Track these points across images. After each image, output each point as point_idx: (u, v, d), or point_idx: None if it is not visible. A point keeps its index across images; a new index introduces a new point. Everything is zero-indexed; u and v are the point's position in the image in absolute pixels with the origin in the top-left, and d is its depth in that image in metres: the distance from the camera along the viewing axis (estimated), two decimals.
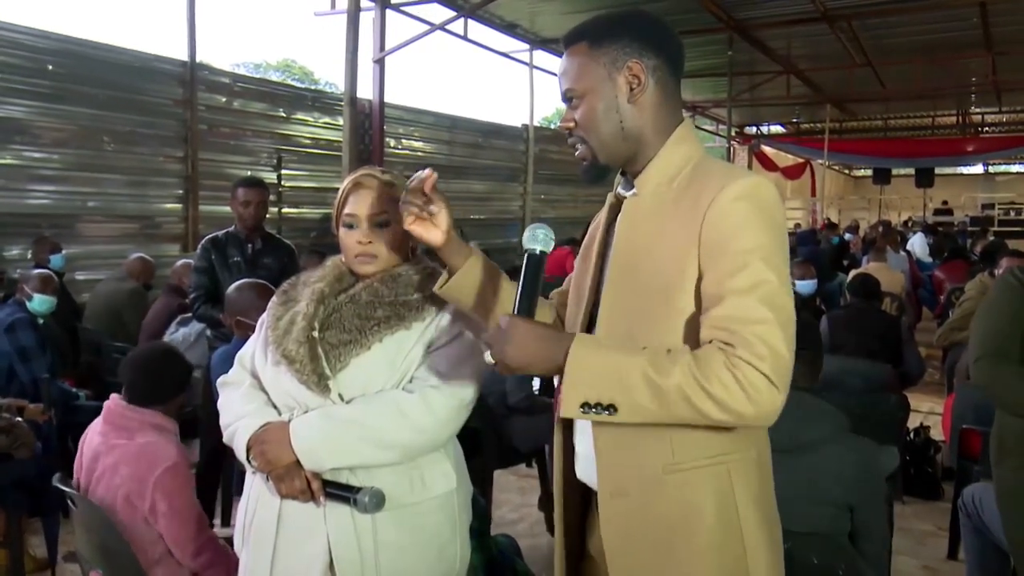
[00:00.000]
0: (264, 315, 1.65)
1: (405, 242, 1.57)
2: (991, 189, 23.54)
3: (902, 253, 8.62)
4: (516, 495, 3.91)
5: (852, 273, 5.79)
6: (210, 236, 3.61)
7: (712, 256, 1.14)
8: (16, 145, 5.73)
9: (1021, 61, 11.81)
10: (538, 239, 1.26)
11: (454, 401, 1.48)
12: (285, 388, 1.52)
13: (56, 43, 5.98)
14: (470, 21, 9.74)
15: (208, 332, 3.71)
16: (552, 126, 18.45)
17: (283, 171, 7.92)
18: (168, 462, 2.01)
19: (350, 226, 1.55)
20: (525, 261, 1.26)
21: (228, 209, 3.71)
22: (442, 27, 8.72)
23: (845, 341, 4.08)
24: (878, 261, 6.39)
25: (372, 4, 8.10)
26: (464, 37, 9.84)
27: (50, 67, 5.90)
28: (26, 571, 2.92)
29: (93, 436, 2.14)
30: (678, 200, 1.22)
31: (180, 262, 5.07)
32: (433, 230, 1.35)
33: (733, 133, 16.05)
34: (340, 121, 7.99)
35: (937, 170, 19.38)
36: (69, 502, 2.09)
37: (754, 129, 20.44)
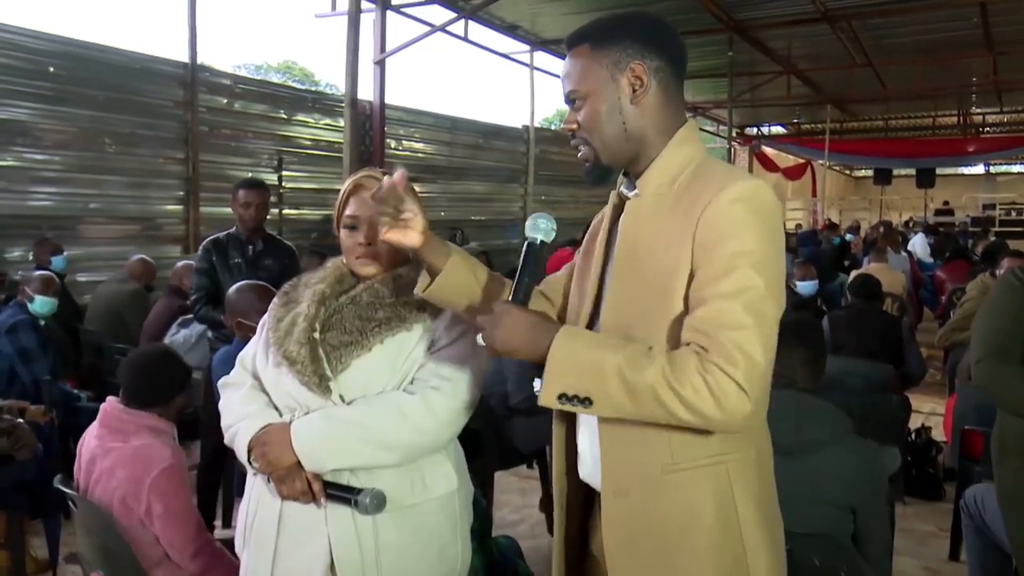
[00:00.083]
0: (265, 316, 1.65)
1: None
2: (992, 189, 23.52)
3: (903, 253, 8.61)
4: (517, 496, 3.91)
5: (853, 274, 5.79)
6: (211, 237, 3.62)
7: (703, 257, 1.14)
8: (17, 147, 5.74)
9: (1022, 61, 11.80)
10: (539, 228, 1.28)
11: (455, 402, 1.48)
12: (286, 389, 1.52)
13: (57, 45, 5.99)
14: (471, 22, 9.75)
15: (209, 333, 3.71)
16: (553, 127, 18.46)
17: (284, 172, 7.93)
18: (163, 464, 2.00)
19: (351, 227, 1.55)
20: (525, 249, 1.27)
21: (229, 210, 3.71)
22: (443, 28, 8.72)
23: (846, 342, 4.08)
24: (879, 261, 6.38)
25: (373, 6, 8.11)
26: (465, 38, 9.84)
27: (51, 69, 5.92)
28: (27, 573, 2.92)
29: (90, 439, 2.13)
30: (678, 200, 1.22)
31: (180, 263, 5.07)
32: (410, 233, 1.32)
33: (734, 134, 16.04)
34: (341, 122, 8.00)
35: (938, 170, 19.34)
36: (70, 503, 2.09)
37: (755, 130, 20.43)
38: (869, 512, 1.87)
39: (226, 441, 1.57)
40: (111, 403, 2.15)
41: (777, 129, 21.17)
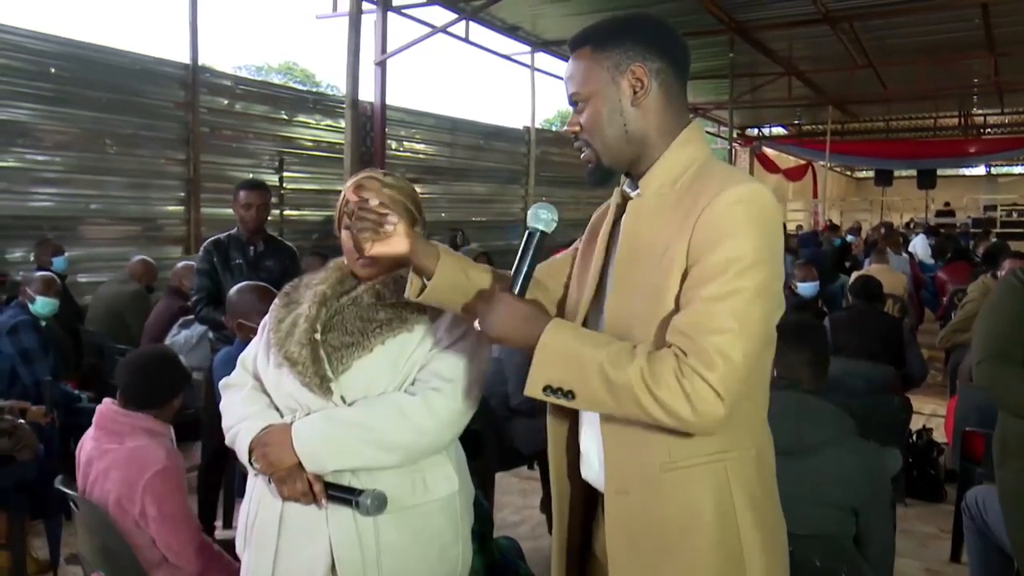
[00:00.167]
0: (266, 317, 1.65)
1: None
2: (993, 190, 23.49)
3: (904, 255, 8.62)
4: (518, 497, 3.91)
5: (854, 275, 5.79)
6: (212, 238, 3.62)
7: (697, 258, 1.15)
8: (19, 148, 5.76)
9: (1023, 62, 11.80)
10: (540, 219, 1.28)
11: (456, 403, 1.48)
12: (287, 390, 1.52)
13: (58, 46, 6.00)
14: (471, 23, 9.76)
15: (210, 334, 3.72)
16: (553, 128, 18.46)
17: (285, 173, 7.94)
18: (158, 466, 2.00)
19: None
20: (524, 239, 1.27)
21: (230, 211, 3.72)
22: (443, 29, 8.74)
23: (847, 343, 4.08)
24: (880, 263, 6.38)
25: (374, 7, 8.11)
26: (465, 39, 9.85)
27: (53, 70, 5.93)
28: (28, 573, 2.92)
29: (87, 441, 2.13)
30: (680, 200, 1.22)
31: (181, 264, 5.07)
32: (394, 241, 1.32)
33: (735, 135, 16.04)
34: (342, 123, 8.00)
35: (939, 171, 19.31)
36: (71, 504, 2.09)
37: (756, 131, 20.43)
38: (870, 513, 1.87)
39: (227, 442, 1.57)
40: (107, 405, 2.15)
41: (778, 130, 21.17)
